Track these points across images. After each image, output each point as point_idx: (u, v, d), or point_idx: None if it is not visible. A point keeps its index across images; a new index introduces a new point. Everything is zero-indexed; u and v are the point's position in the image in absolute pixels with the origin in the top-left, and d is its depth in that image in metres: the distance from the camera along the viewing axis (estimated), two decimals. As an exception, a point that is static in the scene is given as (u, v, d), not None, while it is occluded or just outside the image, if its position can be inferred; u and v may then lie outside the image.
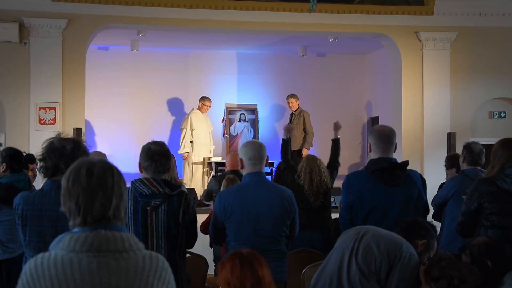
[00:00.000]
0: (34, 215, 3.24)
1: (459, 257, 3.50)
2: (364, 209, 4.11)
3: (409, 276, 3.24)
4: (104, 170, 2.11)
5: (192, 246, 4.13)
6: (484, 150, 5.69)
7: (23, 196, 3.34)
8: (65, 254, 1.99)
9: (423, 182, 4.28)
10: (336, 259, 3.37)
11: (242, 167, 4.27)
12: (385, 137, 4.20)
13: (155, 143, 3.97)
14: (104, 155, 5.34)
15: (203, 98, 11.58)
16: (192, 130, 11.31)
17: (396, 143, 4.28)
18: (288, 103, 11.60)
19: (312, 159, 6.02)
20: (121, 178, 2.15)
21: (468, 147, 5.71)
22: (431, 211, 5.51)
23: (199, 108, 11.55)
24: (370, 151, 4.27)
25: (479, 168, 5.59)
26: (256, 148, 4.24)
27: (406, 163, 4.26)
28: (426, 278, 3.28)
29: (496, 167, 4.30)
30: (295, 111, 11.48)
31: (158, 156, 3.88)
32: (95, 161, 2.15)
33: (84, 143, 3.37)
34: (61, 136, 3.39)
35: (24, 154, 5.13)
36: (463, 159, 5.70)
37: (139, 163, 3.96)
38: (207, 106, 11.53)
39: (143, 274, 2.02)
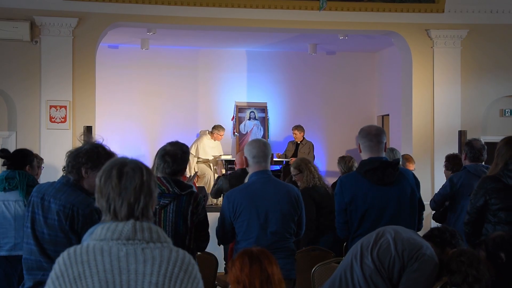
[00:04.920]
0: (36, 202, 3.32)
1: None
2: (359, 210, 4.10)
3: (425, 274, 3.24)
4: (134, 170, 2.20)
5: (204, 248, 4.13)
6: (486, 147, 5.74)
7: (37, 185, 3.48)
8: (96, 243, 2.12)
9: (416, 180, 4.28)
10: (352, 252, 3.41)
11: (248, 166, 4.28)
12: (372, 135, 4.18)
13: (172, 144, 4.01)
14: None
15: (217, 128, 11.39)
16: (197, 157, 11.20)
17: (385, 142, 4.25)
18: (293, 133, 11.66)
19: (303, 160, 6.21)
20: (151, 177, 2.23)
21: (469, 144, 5.74)
22: (428, 210, 5.51)
23: (213, 136, 11.36)
24: (360, 151, 4.25)
25: (481, 164, 5.62)
26: (260, 146, 4.23)
27: (397, 161, 4.26)
28: (443, 269, 3.30)
29: (500, 164, 4.33)
30: (301, 141, 11.55)
31: (168, 158, 3.92)
32: (127, 161, 2.24)
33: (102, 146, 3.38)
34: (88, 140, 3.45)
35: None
36: (465, 156, 5.74)
37: (156, 161, 4.01)
38: (221, 135, 11.37)
39: (169, 264, 2.10)
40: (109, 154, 3.30)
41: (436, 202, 5.93)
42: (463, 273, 3.29)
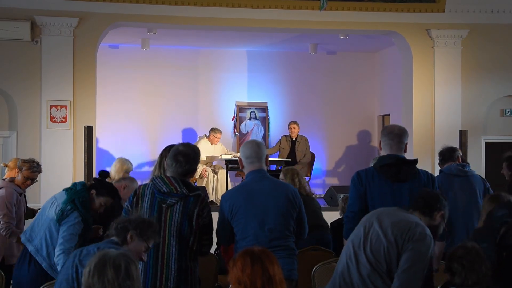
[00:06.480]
0: (76, 263, 3.43)
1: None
2: (371, 205, 4.15)
3: (421, 252, 3.21)
4: (128, 263, 2.34)
5: (206, 253, 4.10)
6: (455, 148, 6.28)
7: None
8: None
9: (432, 179, 4.33)
10: (346, 253, 3.38)
11: (243, 167, 4.29)
12: (393, 134, 4.29)
13: (184, 144, 4.05)
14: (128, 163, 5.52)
15: (214, 130, 11.19)
16: None
17: (406, 143, 4.33)
18: (290, 128, 11.49)
19: (291, 169, 6.17)
20: (137, 264, 2.41)
21: (439, 153, 6.26)
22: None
23: (209, 139, 11.17)
24: (381, 149, 4.38)
25: (454, 163, 5.99)
26: (253, 147, 4.24)
27: (414, 160, 4.34)
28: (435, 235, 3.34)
29: (483, 216, 4.38)
30: (296, 138, 11.42)
31: (181, 157, 3.95)
32: (116, 255, 2.35)
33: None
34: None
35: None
36: (440, 164, 6.24)
37: (166, 161, 4.04)
38: (218, 138, 11.15)
39: None
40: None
41: None
42: (462, 278, 3.30)
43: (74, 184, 4.73)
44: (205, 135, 11.32)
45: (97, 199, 4.67)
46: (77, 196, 4.60)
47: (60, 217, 4.52)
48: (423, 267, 3.22)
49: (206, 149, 11.09)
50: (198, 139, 11.40)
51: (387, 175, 4.19)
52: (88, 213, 4.63)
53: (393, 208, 3.49)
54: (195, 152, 4.04)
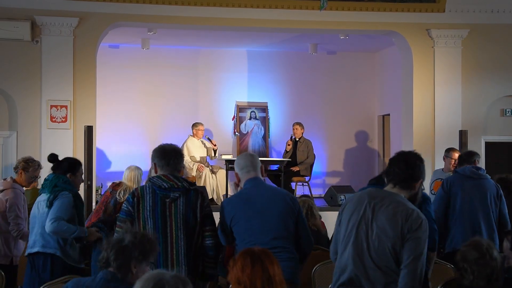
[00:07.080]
0: None
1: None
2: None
3: (421, 237, 3.21)
4: (184, 287, 2.33)
5: (210, 247, 4.04)
6: (475, 152, 6.37)
7: (75, 281, 3.17)
8: None
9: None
10: (354, 263, 3.31)
11: (239, 181, 4.28)
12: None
13: (168, 144, 4.15)
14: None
15: (195, 125, 11.20)
16: (190, 157, 10.98)
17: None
18: (293, 129, 11.38)
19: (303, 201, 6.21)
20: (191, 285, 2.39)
21: (460, 155, 6.52)
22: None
23: (194, 135, 11.16)
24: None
25: (468, 166, 6.09)
26: (247, 157, 4.30)
27: None
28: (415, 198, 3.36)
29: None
30: (299, 139, 11.32)
31: (173, 153, 4.06)
32: (172, 278, 2.33)
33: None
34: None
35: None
36: (456, 166, 6.52)
37: (154, 163, 4.07)
38: (201, 130, 11.16)
39: None
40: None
41: (439, 217, 5.88)
42: (471, 280, 3.29)
43: (45, 179, 4.96)
44: (190, 134, 11.28)
45: (76, 178, 5.03)
46: (56, 181, 4.84)
47: (50, 201, 4.74)
48: (425, 253, 3.28)
49: (195, 145, 11.09)
50: (184, 141, 11.29)
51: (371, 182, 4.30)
52: (74, 188, 4.94)
53: (376, 192, 3.40)
54: (178, 147, 4.19)
